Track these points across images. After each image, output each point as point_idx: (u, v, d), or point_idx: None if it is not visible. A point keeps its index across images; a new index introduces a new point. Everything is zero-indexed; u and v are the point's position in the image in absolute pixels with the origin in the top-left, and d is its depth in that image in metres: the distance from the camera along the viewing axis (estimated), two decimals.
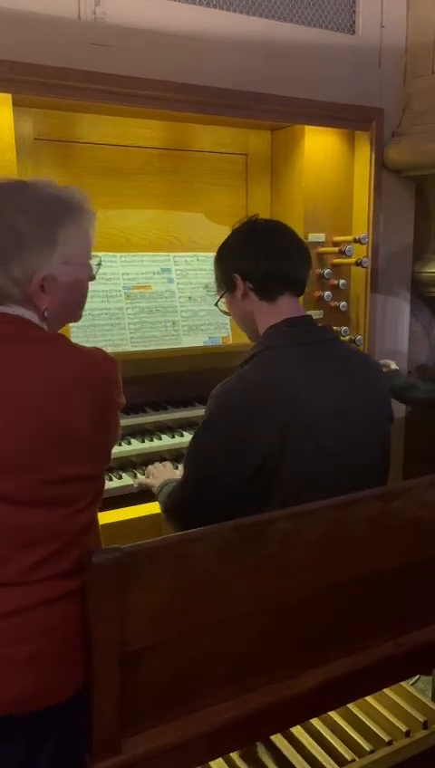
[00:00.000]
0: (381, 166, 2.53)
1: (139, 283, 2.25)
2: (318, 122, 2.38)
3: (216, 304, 1.65)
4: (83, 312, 1.31)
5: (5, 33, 1.83)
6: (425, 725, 1.64)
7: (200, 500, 1.47)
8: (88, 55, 1.93)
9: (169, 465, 1.89)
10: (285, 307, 1.52)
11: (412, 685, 1.84)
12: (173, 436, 2.17)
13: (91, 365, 1.18)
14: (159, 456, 2.08)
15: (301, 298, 1.59)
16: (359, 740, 1.59)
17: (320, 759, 1.55)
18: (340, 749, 1.57)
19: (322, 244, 2.48)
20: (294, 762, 1.55)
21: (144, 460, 2.09)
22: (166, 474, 1.78)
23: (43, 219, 1.18)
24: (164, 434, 2.19)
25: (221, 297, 1.62)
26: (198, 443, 1.48)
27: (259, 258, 1.51)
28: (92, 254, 1.33)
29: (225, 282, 1.58)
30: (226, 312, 1.65)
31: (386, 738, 1.60)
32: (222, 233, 2.45)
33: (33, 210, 1.18)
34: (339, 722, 1.64)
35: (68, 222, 1.21)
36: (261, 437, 1.38)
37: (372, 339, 2.60)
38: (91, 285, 1.33)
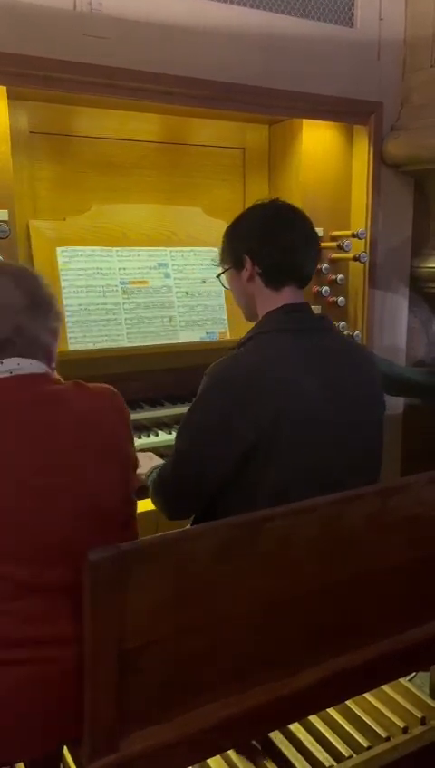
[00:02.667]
0: (380, 160, 2.52)
1: (135, 278, 2.24)
2: (316, 116, 2.36)
3: (218, 276, 1.65)
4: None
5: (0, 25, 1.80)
6: (423, 722, 1.64)
7: (187, 478, 1.49)
8: (84, 47, 1.91)
9: (151, 454, 1.89)
10: (288, 295, 1.52)
11: (410, 681, 1.84)
12: (170, 432, 2.16)
13: None
14: (155, 453, 2.07)
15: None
16: (356, 736, 1.59)
17: (317, 755, 1.55)
18: (337, 745, 1.57)
19: (320, 238, 2.46)
20: (291, 758, 1.54)
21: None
22: (153, 461, 1.78)
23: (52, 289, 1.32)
24: (161, 430, 2.18)
25: (225, 271, 1.61)
26: (189, 421, 1.48)
27: (276, 247, 1.50)
28: None
29: (233, 259, 1.57)
30: (225, 287, 1.65)
31: (384, 734, 1.60)
32: (219, 227, 2.43)
33: (45, 281, 1.30)
34: (336, 718, 1.64)
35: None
36: (252, 421, 1.38)
37: (370, 334, 2.59)
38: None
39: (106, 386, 1.29)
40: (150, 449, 2.06)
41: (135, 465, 1.28)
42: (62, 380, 1.25)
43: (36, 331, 1.22)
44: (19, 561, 1.11)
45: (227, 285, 1.64)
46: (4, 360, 1.18)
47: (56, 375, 1.26)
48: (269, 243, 1.50)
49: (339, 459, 1.46)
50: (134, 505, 1.28)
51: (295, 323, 1.48)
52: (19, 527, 1.11)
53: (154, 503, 1.59)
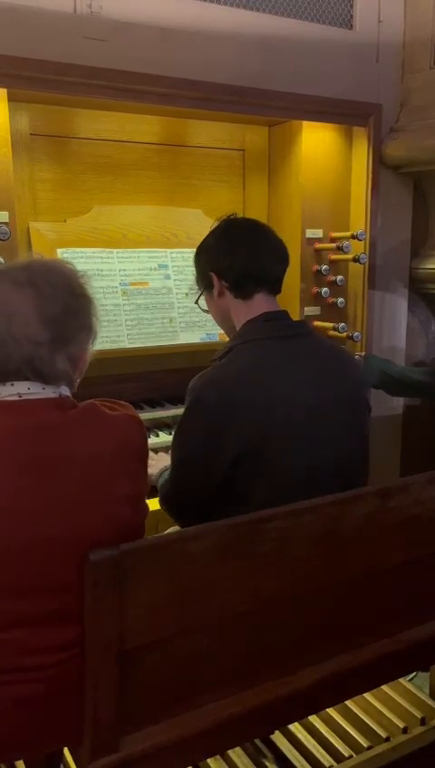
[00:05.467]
0: (379, 162, 2.52)
1: (135, 280, 2.24)
2: (316, 118, 2.36)
3: (196, 302, 1.68)
4: None
5: (0, 28, 1.81)
6: (422, 722, 1.64)
7: (186, 492, 1.49)
8: (84, 50, 1.92)
9: (163, 454, 1.89)
10: (261, 304, 1.54)
11: (410, 681, 1.84)
12: (170, 433, 2.16)
13: None
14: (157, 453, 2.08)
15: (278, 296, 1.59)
16: (356, 736, 1.59)
17: (317, 755, 1.55)
18: (337, 745, 1.57)
19: (319, 240, 2.47)
20: (291, 758, 1.55)
21: None
22: (162, 461, 1.78)
23: (88, 298, 1.24)
24: (161, 431, 2.18)
25: (200, 296, 1.65)
26: (179, 436, 1.50)
27: (233, 256, 1.53)
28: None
29: (203, 280, 1.61)
30: (205, 311, 1.68)
31: (383, 734, 1.60)
32: None
33: (81, 289, 1.23)
34: (336, 718, 1.65)
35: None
36: (237, 433, 1.39)
37: (369, 335, 2.59)
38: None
39: (125, 412, 1.21)
40: (152, 450, 2.06)
41: (139, 495, 1.20)
42: (76, 403, 1.18)
43: (53, 362, 1.14)
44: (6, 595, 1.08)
45: (206, 309, 1.67)
46: (14, 383, 1.13)
47: (70, 399, 1.18)
48: (227, 253, 1.54)
49: (326, 463, 1.47)
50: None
51: (275, 330, 1.49)
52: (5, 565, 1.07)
53: (162, 507, 1.60)
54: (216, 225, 1.63)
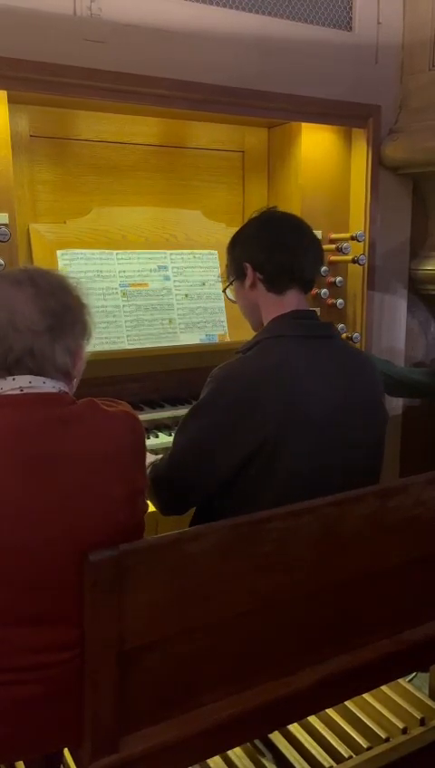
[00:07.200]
0: (378, 163, 2.53)
1: (135, 281, 2.25)
2: (315, 119, 2.37)
3: (224, 290, 1.68)
4: None
5: (0, 30, 1.82)
6: (422, 722, 1.64)
7: (181, 481, 1.48)
8: (83, 52, 1.92)
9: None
10: (292, 300, 1.53)
11: (409, 681, 1.85)
12: (170, 434, 2.17)
13: None
14: (155, 455, 2.08)
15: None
16: (356, 737, 1.59)
17: (317, 756, 1.55)
18: (337, 746, 1.57)
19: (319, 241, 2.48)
20: (291, 759, 1.55)
21: None
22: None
23: (82, 298, 1.27)
24: (161, 432, 2.18)
25: (230, 284, 1.63)
26: (189, 424, 1.47)
27: (273, 249, 1.52)
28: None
29: (235, 269, 1.59)
30: (232, 300, 1.67)
31: (383, 735, 1.60)
32: (219, 230, 2.46)
33: (75, 290, 1.26)
34: (336, 719, 1.65)
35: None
36: (255, 427, 1.38)
37: (369, 336, 2.60)
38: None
39: (122, 409, 1.22)
40: (150, 451, 2.07)
41: (138, 492, 1.20)
42: (76, 400, 1.19)
43: (52, 353, 1.17)
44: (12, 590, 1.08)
45: (233, 298, 1.67)
46: (16, 377, 1.15)
47: (69, 395, 1.20)
48: (267, 247, 1.52)
49: (344, 464, 1.46)
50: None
51: (303, 329, 1.49)
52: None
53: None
54: (255, 215, 1.62)
